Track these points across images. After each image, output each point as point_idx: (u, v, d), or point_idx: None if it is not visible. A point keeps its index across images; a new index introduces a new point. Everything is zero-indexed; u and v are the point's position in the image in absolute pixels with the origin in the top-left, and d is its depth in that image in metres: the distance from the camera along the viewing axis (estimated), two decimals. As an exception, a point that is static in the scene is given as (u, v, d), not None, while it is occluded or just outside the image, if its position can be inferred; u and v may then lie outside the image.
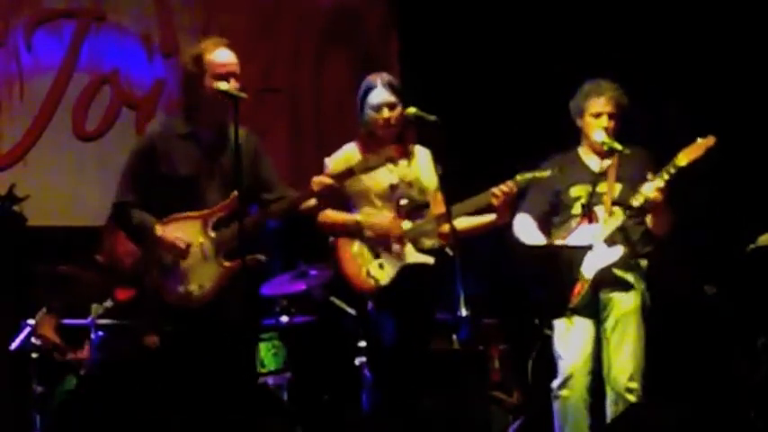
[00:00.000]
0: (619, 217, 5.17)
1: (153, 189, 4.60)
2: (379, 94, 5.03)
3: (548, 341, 5.47)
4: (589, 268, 5.12)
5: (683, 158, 5.11)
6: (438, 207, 5.11)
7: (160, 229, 4.54)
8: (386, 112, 5.01)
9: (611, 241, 5.17)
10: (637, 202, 5.13)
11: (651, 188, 5.10)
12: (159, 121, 5.11)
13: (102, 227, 6.14)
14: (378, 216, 5.01)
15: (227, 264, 4.57)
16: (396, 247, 5.00)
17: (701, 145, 5.12)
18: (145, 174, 4.61)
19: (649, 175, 5.13)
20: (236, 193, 4.52)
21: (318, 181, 4.70)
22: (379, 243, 5.00)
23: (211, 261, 4.58)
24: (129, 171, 4.66)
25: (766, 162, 6.57)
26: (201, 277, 4.56)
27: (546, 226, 5.33)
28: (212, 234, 4.59)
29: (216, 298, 4.57)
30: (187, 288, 4.55)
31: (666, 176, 5.09)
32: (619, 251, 5.17)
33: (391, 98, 5.02)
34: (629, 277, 5.25)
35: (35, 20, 7.13)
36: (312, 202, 4.72)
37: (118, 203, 4.65)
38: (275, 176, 4.80)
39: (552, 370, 5.36)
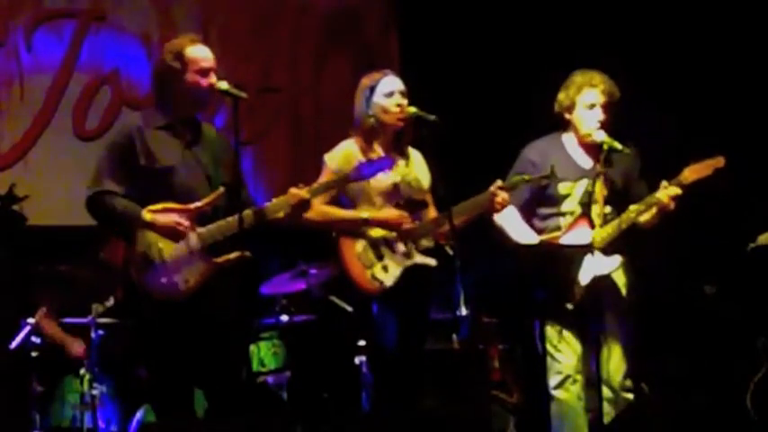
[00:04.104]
0: (616, 227, 5.16)
1: (133, 182, 4.53)
2: (392, 81, 5.05)
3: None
4: (585, 275, 5.06)
5: (690, 175, 5.13)
6: (432, 208, 5.14)
7: (149, 215, 4.49)
8: (399, 98, 5.02)
9: (607, 250, 5.15)
10: (639, 215, 5.14)
11: (667, 195, 5.11)
12: (136, 114, 5.01)
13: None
14: (386, 211, 5.02)
15: (215, 260, 4.54)
16: (401, 246, 5.00)
17: (709, 165, 5.14)
18: (124, 167, 4.53)
19: (664, 182, 5.14)
20: (222, 189, 4.53)
21: (295, 194, 4.65)
22: (384, 243, 5.01)
23: (197, 255, 4.54)
24: (108, 163, 4.56)
25: (766, 161, 6.57)
26: (187, 271, 4.52)
27: (526, 215, 5.32)
28: (198, 228, 4.56)
29: (203, 293, 4.53)
30: (171, 281, 4.50)
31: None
32: (617, 261, 5.16)
33: (403, 86, 5.06)
34: (617, 276, 5.25)
35: (35, 20, 7.13)
36: (281, 213, 4.66)
37: (99, 191, 4.51)
38: (243, 180, 4.78)
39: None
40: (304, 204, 4.66)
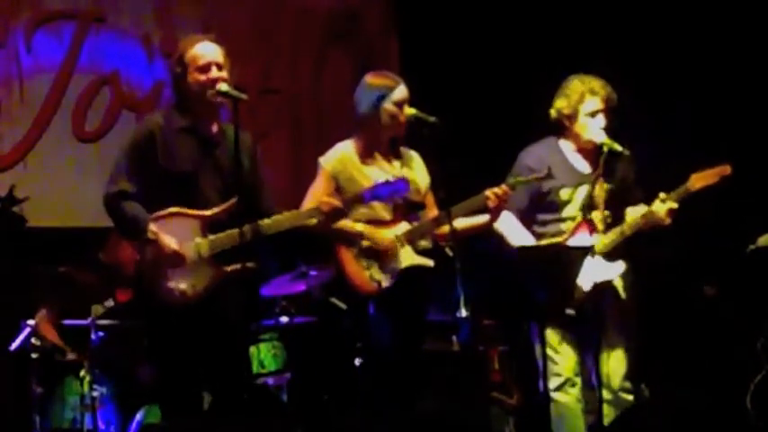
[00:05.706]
0: (619, 233, 5.16)
1: (150, 182, 4.54)
2: (403, 90, 5.05)
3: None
4: (587, 281, 5.06)
5: (696, 183, 5.13)
6: (431, 208, 5.14)
7: (154, 227, 4.50)
8: (406, 108, 5.02)
9: (611, 256, 5.15)
10: (642, 220, 5.14)
11: (663, 209, 5.10)
12: (159, 112, 4.99)
13: (111, 227, 6.11)
14: (381, 234, 5.01)
15: (223, 267, 4.56)
16: (392, 264, 5.02)
17: (716, 173, 5.14)
18: (143, 165, 4.54)
19: (662, 195, 5.13)
20: (234, 199, 4.52)
21: (328, 202, 4.71)
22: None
23: (205, 262, 4.55)
24: (127, 160, 4.57)
25: (766, 162, 6.57)
26: (194, 277, 4.54)
27: (525, 222, 5.32)
28: (210, 235, 4.57)
29: (208, 299, 4.55)
30: (178, 286, 4.52)
31: (678, 199, 5.11)
32: (620, 267, 5.16)
33: (408, 95, 5.06)
34: (616, 279, 5.25)
35: (35, 21, 7.13)
36: (313, 220, 4.72)
37: (113, 192, 4.53)
38: (264, 182, 4.79)
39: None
40: (338, 213, 4.72)
